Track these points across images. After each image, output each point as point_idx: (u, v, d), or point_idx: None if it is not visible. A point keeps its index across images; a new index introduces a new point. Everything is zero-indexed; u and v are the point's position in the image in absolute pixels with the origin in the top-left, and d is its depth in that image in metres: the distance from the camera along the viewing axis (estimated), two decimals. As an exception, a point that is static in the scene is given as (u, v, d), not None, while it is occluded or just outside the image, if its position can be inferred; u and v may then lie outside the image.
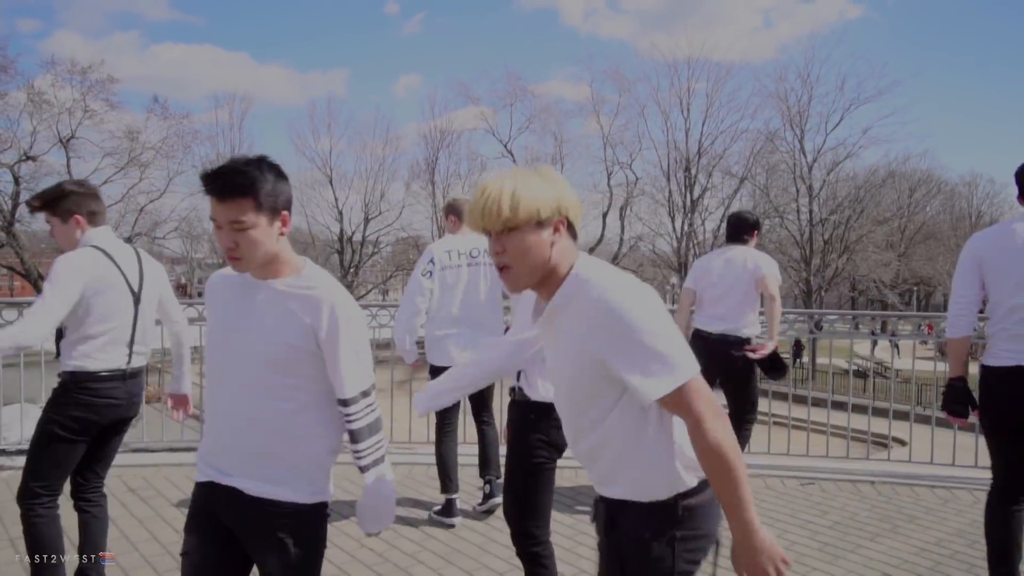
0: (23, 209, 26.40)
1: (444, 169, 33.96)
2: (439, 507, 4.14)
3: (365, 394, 1.84)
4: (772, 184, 30.95)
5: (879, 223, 32.06)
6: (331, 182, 33.09)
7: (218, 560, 1.85)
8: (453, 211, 4.20)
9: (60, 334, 2.86)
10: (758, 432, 4.87)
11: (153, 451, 5.22)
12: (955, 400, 3.04)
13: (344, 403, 1.82)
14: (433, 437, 4.35)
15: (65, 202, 2.77)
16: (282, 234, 1.80)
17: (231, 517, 1.83)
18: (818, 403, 6.28)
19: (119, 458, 3.19)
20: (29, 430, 3.65)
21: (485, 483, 4.21)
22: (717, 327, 4.38)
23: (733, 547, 1.46)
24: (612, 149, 31.87)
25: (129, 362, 2.87)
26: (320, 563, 1.90)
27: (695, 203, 30.82)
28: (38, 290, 4.89)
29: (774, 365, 4.37)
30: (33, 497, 2.72)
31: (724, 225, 4.70)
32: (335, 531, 3.79)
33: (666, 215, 31.43)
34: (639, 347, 1.42)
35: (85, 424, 2.77)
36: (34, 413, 5.01)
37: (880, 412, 6.27)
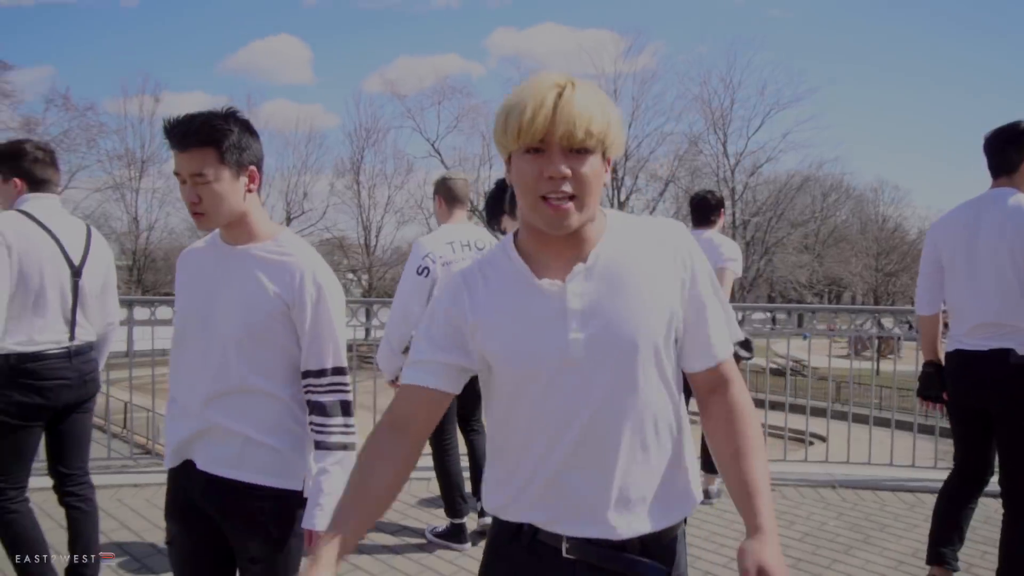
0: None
1: (370, 168, 33.15)
2: (442, 529, 3.59)
3: (337, 371, 1.76)
4: (696, 186, 31.52)
5: (796, 226, 33.23)
6: (250, 179, 31.77)
7: (203, 545, 1.80)
8: (446, 193, 3.56)
9: None
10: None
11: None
12: (927, 385, 2.99)
13: (313, 373, 1.74)
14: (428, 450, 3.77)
15: (11, 160, 2.66)
16: (250, 191, 1.74)
17: (207, 502, 1.76)
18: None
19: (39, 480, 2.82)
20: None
21: (479, 500, 3.66)
22: None
23: (756, 545, 1.13)
24: (540, 150, 31.80)
25: (72, 338, 2.67)
26: (300, 551, 1.78)
27: (622, 205, 31.12)
28: None
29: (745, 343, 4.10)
30: None
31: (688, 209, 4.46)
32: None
33: (594, 216, 31.59)
34: (719, 296, 1.29)
35: (33, 408, 2.60)
36: None
37: (798, 409, 6.17)
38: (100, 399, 3.02)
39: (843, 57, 68.38)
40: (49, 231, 2.61)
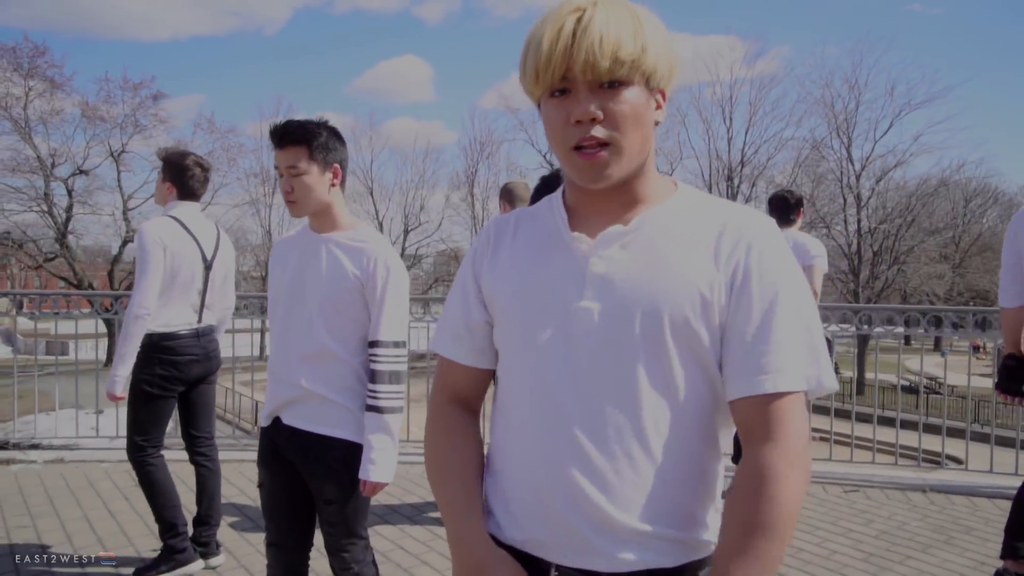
0: (76, 221, 27.33)
1: (484, 181, 34.03)
2: None
3: (397, 345, 2.03)
4: (819, 194, 30.11)
5: (931, 233, 30.93)
6: (371, 194, 33.47)
7: (288, 488, 2.10)
8: (508, 196, 3.85)
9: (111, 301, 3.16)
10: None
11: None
12: (1008, 378, 2.90)
13: (374, 344, 2.02)
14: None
15: (174, 169, 3.13)
16: (333, 185, 2.06)
17: (291, 452, 2.06)
18: (865, 419, 5.86)
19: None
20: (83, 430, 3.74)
21: None
22: None
23: None
24: (652, 159, 31.51)
25: (200, 320, 3.15)
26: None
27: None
28: (90, 302, 5.05)
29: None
30: (139, 450, 3.03)
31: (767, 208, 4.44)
32: (338, 529, 3.61)
33: (708, 226, 30.83)
34: (795, 316, 0.98)
35: (170, 380, 3.05)
36: (84, 418, 5.05)
37: (932, 429, 5.84)
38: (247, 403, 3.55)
39: (990, 51, 63.09)
40: (191, 234, 3.11)
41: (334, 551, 2.09)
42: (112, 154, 27.12)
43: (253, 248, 32.01)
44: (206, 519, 3.18)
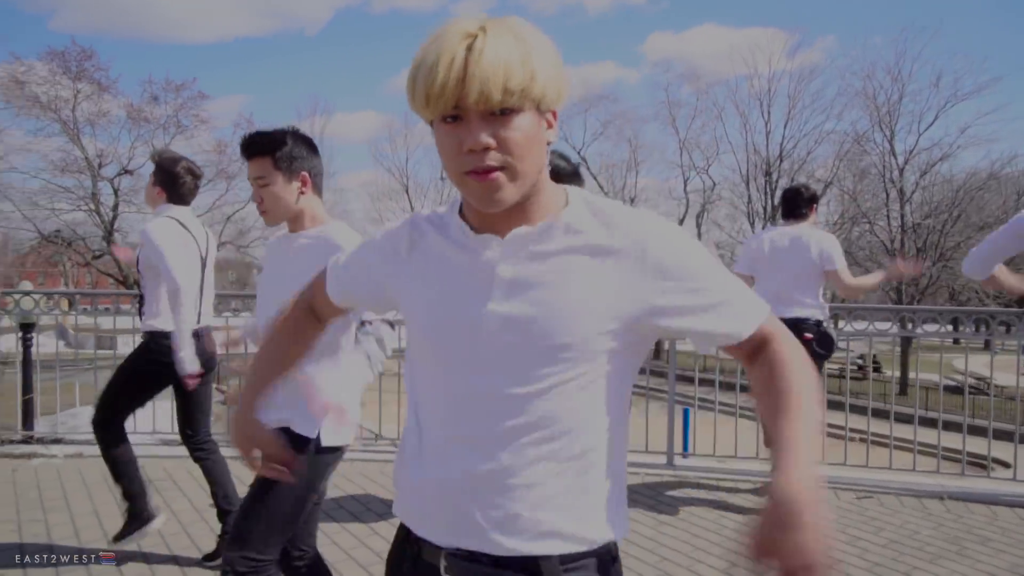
0: (122, 220, 28.12)
1: (518, 178, 34.03)
2: None
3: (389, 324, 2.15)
4: (861, 187, 29.35)
5: (980, 229, 29.79)
6: (407, 191, 33.73)
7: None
8: None
9: (141, 298, 3.27)
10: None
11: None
12: None
13: (368, 323, 2.11)
14: None
15: (165, 175, 3.21)
16: (303, 193, 2.09)
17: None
18: (906, 419, 5.64)
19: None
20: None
21: None
22: (789, 313, 3.93)
23: (779, 509, 0.86)
24: (688, 154, 31.12)
25: (198, 321, 3.20)
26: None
27: (776, 209, 29.62)
28: (139, 301, 5.31)
29: (822, 339, 3.94)
30: (103, 425, 3.15)
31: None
32: (335, 528, 3.64)
33: (746, 221, 30.35)
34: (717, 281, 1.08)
35: (163, 376, 3.17)
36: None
37: (977, 431, 5.62)
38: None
39: (1045, 39, 60.61)
40: (191, 233, 3.22)
41: (227, 550, 2.01)
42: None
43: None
44: (226, 508, 3.21)
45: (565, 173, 2.65)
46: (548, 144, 1.01)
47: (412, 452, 1.10)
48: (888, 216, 28.47)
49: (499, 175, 0.95)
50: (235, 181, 29.25)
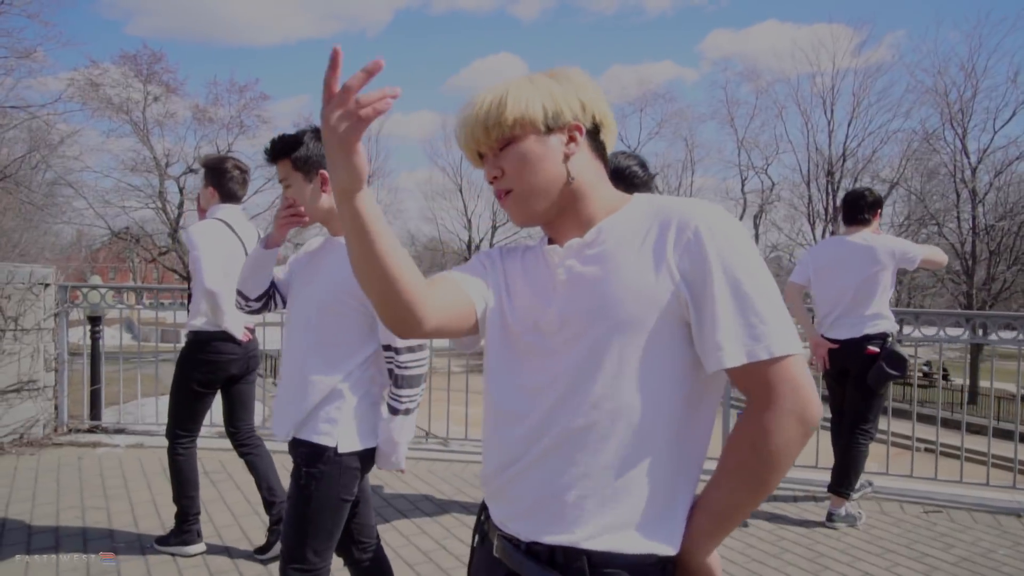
0: (187, 217, 29.09)
1: (571, 177, 33.89)
2: None
3: (411, 349, 2.02)
4: (930, 188, 28.21)
5: (1059, 231, 28.33)
6: (460, 191, 33.94)
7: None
8: None
9: (189, 296, 3.33)
10: (878, 451, 4.24)
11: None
12: None
13: (396, 350, 2.02)
14: (471, 435, 4.46)
15: (214, 173, 3.30)
16: (325, 191, 2.07)
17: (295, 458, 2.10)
18: (976, 430, 5.37)
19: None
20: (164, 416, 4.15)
21: None
22: (853, 330, 3.84)
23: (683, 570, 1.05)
24: (747, 153, 30.50)
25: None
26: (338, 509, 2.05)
27: (838, 211, 28.69)
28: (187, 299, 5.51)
29: (892, 358, 3.74)
30: (175, 439, 3.25)
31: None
32: (383, 527, 3.64)
33: (806, 222, 29.54)
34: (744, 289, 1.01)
35: (212, 378, 3.24)
36: (164, 405, 5.37)
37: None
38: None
39: None
40: (237, 235, 3.27)
41: (281, 564, 2.04)
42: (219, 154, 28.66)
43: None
44: (270, 500, 3.29)
45: (639, 182, 2.58)
46: (568, 156, 1.11)
47: (488, 443, 1.18)
48: (959, 218, 27.25)
49: (507, 198, 1.12)
50: (294, 180, 29.95)
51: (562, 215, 1.13)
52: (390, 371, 2.06)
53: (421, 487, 4.30)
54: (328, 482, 2.02)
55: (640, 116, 32.76)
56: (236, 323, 3.21)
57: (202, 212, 3.37)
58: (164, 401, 5.50)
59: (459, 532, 3.63)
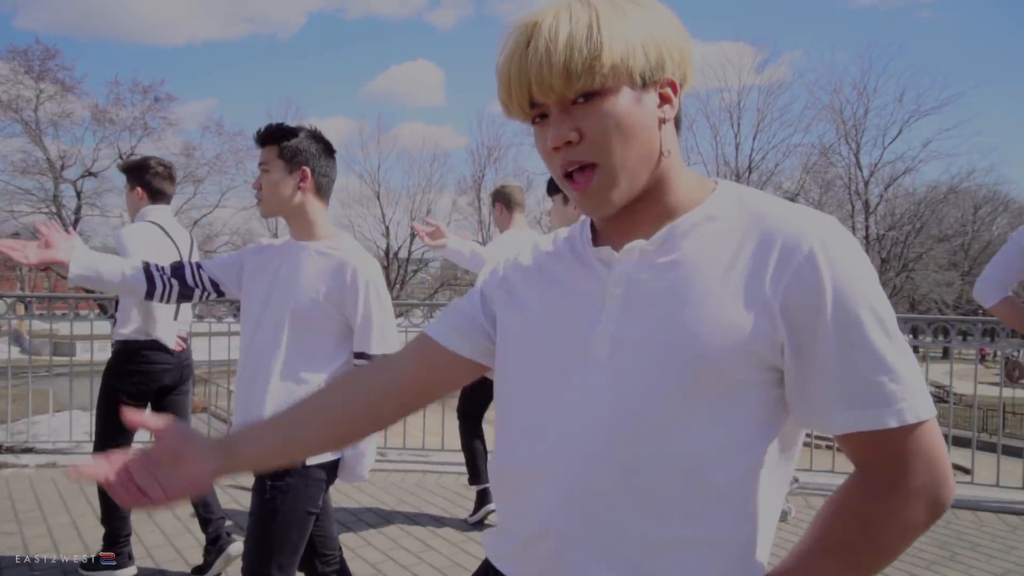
0: (84, 223, 27.44)
1: (491, 185, 34.03)
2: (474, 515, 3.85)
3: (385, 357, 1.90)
4: (827, 199, 29.94)
5: (940, 241, 30.68)
6: (378, 197, 33.47)
7: None
8: (506, 200, 3.77)
9: (116, 304, 3.15)
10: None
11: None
12: None
13: (369, 358, 1.97)
14: (447, 445, 4.33)
15: (138, 174, 3.12)
16: (301, 188, 2.01)
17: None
18: None
19: None
20: (77, 434, 3.77)
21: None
22: None
23: None
24: (660, 164, 31.43)
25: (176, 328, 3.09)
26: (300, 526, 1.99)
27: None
28: (100, 305, 5.13)
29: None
30: None
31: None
32: (328, 538, 3.54)
33: (715, 232, 30.74)
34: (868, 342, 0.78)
35: (143, 389, 3.05)
36: (78, 422, 5.01)
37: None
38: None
39: (998, 59, 62.77)
40: (172, 239, 3.12)
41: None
42: (121, 156, 27.15)
43: (260, 251, 31.97)
44: (206, 517, 3.14)
45: None
46: (663, 123, 0.84)
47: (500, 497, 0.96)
48: (853, 227, 29.06)
49: (595, 179, 0.82)
50: (202, 185, 28.82)
51: (638, 204, 0.86)
52: None
53: (363, 499, 4.20)
54: (295, 495, 1.95)
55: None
56: (168, 332, 3.06)
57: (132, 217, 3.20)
58: (78, 417, 5.19)
59: (405, 542, 3.57)
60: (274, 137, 2.02)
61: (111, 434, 3.04)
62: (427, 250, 33.98)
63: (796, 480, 4.51)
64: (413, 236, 33.26)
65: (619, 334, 0.82)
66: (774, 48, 45.18)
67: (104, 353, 3.35)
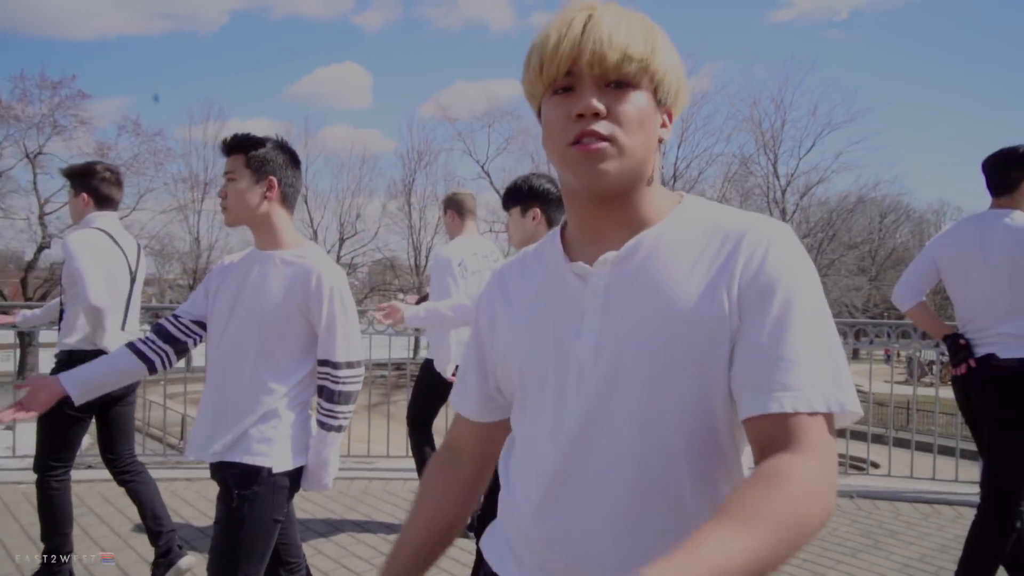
0: (-14, 225, 25.77)
1: (421, 190, 33.86)
2: None
3: (351, 365, 2.02)
4: (746, 207, 31.15)
5: (850, 248, 32.44)
6: (306, 201, 32.78)
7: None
8: (458, 207, 3.82)
9: (60, 313, 3.04)
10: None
11: (92, 467, 4.89)
12: (955, 354, 2.91)
13: (328, 364, 2.01)
14: (391, 452, 4.41)
15: (84, 179, 3.04)
16: (267, 198, 2.02)
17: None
18: None
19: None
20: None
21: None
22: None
23: None
24: (588, 171, 31.99)
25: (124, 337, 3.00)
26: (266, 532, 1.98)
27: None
28: (3, 312, 4.84)
29: None
30: (47, 470, 2.93)
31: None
32: (279, 548, 3.51)
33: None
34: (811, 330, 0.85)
35: (89, 401, 2.79)
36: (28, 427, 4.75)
37: (857, 435, 6.13)
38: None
39: (901, 77, 66.89)
40: (120, 247, 3.04)
41: None
42: (28, 155, 25.70)
43: (180, 255, 30.77)
44: (157, 530, 3.06)
45: (552, 198, 2.70)
46: (661, 142, 0.93)
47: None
48: (771, 234, 30.33)
49: (605, 145, 0.86)
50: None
51: (622, 200, 0.93)
52: (322, 387, 2.03)
53: (311, 508, 4.17)
54: (262, 503, 1.96)
55: (488, 132, 33.36)
56: (116, 342, 2.97)
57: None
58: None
59: (356, 549, 3.57)
60: (241, 146, 2.02)
61: (56, 448, 2.94)
62: (356, 255, 33.66)
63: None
64: (342, 240, 32.78)
65: (602, 341, 0.90)
66: (697, 60, 46.71)
67: (7, 363, 3.21)
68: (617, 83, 0.87)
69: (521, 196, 2.66)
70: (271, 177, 2.03)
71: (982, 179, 2.94)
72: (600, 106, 0.86)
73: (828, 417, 0.81)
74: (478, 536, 3.40)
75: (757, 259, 0.86)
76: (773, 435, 0.80)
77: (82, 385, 2.02)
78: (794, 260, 0.87)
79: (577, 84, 0.88)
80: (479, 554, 1.11)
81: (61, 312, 3.05)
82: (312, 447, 2.04)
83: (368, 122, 68.75)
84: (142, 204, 28.30)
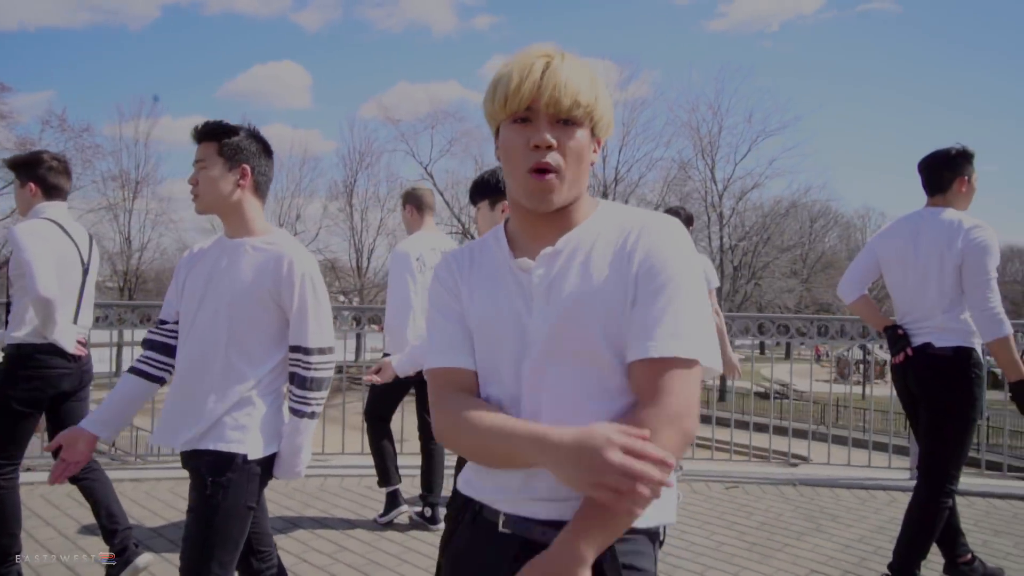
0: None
1: (363, 191, 33.48)
2: (383, 514, 3.87)
3: (323, 351, 2.02)
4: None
5: (783, 251, 33.59)
6: (243, 201, 32.00)
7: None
8: (417, 202, 3.82)
9: (7, 306, 2.97)
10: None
11: (31, 470, 4.70)
12: (894, 344, 3.11)
13: (300, 350, 2.01)
14: (346, 449, 4.43)
15: (30, 169, 2.97)
16: (240, 186, 2.01)
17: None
18: (724, 423, 6.42)
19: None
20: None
21: (427, 506, 3.86)
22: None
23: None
24: (531, 174, 32.18)
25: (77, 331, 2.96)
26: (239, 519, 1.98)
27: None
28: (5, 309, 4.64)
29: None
30: None
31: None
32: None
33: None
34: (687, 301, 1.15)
35: (38, 396, 2.89)
36: None
37: (783, 431, 6.41)
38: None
39: (829, 86, 69.71)
40: (71, 237, 2.96)
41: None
42: (-59, 149, 24.37)
43: (110, 256, 29.54)
44: (112, 528, 2.99)
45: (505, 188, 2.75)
46: (591, 165, 1.19)
47: None
48: (709, 237, 31.21)
49: (553, 178, 1.12)
50: (43, 183, 26.28)
51: (558, 212, 1.17)
52: (294, 374, 2.03)
53: (269, 506, 4.09)
54: (236, 491, 1.95)
55: (432, 133, 33.26)
56: (68, 336, 2.90)
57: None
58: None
59: (316, 544, 3.55)
60: (213, 134, 2.01)
61: (3, 445, 2.84)
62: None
63: (681, 467, 4.88)
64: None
65: (549, 318, 1.14)
66: (636, 66, 47.76)
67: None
68: (566, 121, 1.13)
69: (490, 190, 2.71)
70: (244, 165, 2.02)
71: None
72: (552, 140, 1.12)
73: (687, 362, 1.08)
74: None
75: (646, 246, 1.14)
76: (642, 379, 1.09)
77: (108, 424, 2.05)
78: (675, 247, 1.14)
79: (534, 118, 1.13)
80: (454, 492, 1.30)
81: (7, 305, 2.95)
82: (285, 434, 2.03)
83: (307, 122, 67.77)
84: (69, 202, 27.03)
